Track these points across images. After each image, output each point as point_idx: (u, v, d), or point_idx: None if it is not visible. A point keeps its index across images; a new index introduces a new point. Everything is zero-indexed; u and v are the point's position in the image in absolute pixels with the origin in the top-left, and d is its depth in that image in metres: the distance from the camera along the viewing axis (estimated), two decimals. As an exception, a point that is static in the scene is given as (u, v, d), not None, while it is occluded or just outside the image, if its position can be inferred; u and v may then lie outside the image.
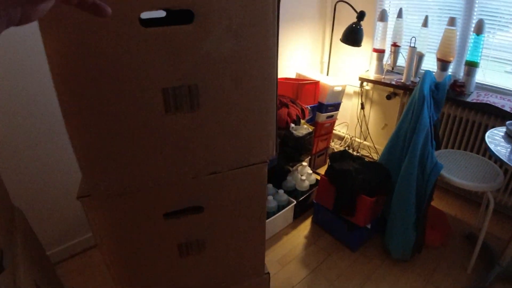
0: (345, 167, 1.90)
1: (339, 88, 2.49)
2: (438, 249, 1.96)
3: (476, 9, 2.17)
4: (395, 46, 2.51)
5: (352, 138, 2.98)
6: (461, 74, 2.34)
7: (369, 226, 1.91)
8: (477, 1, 2.14)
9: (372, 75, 2.63)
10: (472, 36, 2.18)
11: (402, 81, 2.43)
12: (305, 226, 2.14)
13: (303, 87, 2.35)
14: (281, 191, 2.08)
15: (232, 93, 0.79)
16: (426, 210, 1.81)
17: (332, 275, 1.78)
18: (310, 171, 2.28)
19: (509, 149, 1.53)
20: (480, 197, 2.33)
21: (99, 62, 0.68)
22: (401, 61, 2.57)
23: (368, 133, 2.84)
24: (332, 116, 2.59)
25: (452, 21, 2.18)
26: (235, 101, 0.80)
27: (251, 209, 0.97)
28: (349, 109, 2.94)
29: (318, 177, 2.32)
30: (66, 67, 0.67)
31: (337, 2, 2.64)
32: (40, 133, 1.60)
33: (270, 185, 2.14)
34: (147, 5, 0.67)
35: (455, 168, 1.84)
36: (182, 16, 0.73)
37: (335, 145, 3.08)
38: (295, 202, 2.09)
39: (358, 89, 2.78)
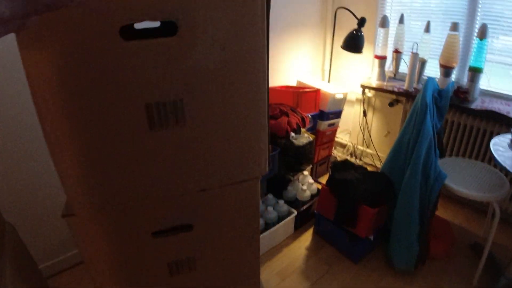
0: (347, 177, 1.86)
1: (340, 96, 2.45)
2: (442, 260, 1.91)
3: (479, 14, 2.13)
4: (397, 52, 2.47)
5: (355, 146, 2.94)
6: (465, 80, 2.30)
7: (371, 238, 1.86)
8: (480, 5, 2.11)
9: (374, 82, 2.59)
10: (475, 41, 2.13)
11: (405, 88, 2.39)
12: (306, 237, 2.09)
13: (304, 95, 2.31)
14: (281, 202, 2.04)
15: (220, 107, 0.76)
16: (430, 220, 1.76)
17: (333, 288, 1.74)
18: (312, 181, 2.24)
19: (514, 159, 1.49)
20: (486, 205, 2.28)
21: (78, 78, 0.65)
22: (404, 68, 2.53)
23: (371, 140, 2.80)
24: (333, 124, 2.55)
25: (454, 27, 2.15)
26: (223, 115, 0.77)
27: (244, 227, 0.93)
28: (351, 116, 2.90)
29: (320, 187, 2.28)
30: (44, 84, 0.64)
31: (338, 8, 2.61)
32: (32, 148, 1.58)
33: (270, 195, 2.10)
34: (127, 17, 0.64)
35: (460, 177, 1.79)
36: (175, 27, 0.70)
37: (338, 153, 3.03)
38: (295, 212, 2.05)
39: (360, 96, 2.74)
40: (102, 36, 0.63)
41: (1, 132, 1.48)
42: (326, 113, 2.44)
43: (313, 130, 2.46)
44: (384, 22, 2.48)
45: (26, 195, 1.63)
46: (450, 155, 2.30)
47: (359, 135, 2.86)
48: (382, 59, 2.55)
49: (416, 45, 2.29)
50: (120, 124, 0.72)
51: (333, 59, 2.77)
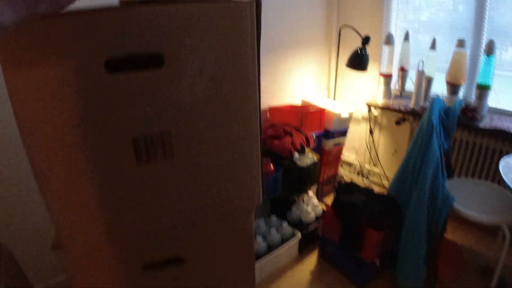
0: (352, 199, 1.81)
1: (345, 115, 2.42)
2: (451, 284, 1.83)
3: (486, 24, 2.08)
4: (403, 70, 2.44)
5: (362, 165, 2.88)
6: (472, 97, 2.25)
7: (377, 262, 1.80)
8: (487, 16, 2.06)
9: (379, 100, 2.55)
10: (482, 57, 2.09)
11: (411, 106, 2.35)
12: (311, 261, 2.03)
13: (308, 115, 2.29)
14: (285, 224, 2.00)
15: (209, 139, 0.74)
16: (438, 243, 1.70)
17: (338, 315, 1.68)
18: (317, 202, 2.20)
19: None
20: (497, 227, 2.20)
21: (62, 111, 0.64)
22: (410, 85, 2.49)
23: (378, 159, 2.75)
24: (339, 143, 2.51)
25: (461, 43, 2.11)
26: (213, 147, 0.75)
27: (238, 260, 0.90)
28: (357, 134, 2.86)
29: (325, 207, 2.23)
30: (30, 116, 0.63)
31: (342, 26, 2.60)
32: (28, 168, 1.57)
33: (273, 216, 2.06)
34: (112, 50, 0.63)
35: (468, 198, 1.74)
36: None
37: (344, 172, 2.98)
38: (299, 235, 2.00)
39: (366, 114, 2.70)
40: (87, 69, 0.62)
41: None
42: (331, 132, 2.41)
43: (318, 149, 2.42)
44: (389, 40, 2.46)
45: (21, 216, 1.62)
46: (459, 175, 2.24)
47: (366, 153, 2.81)
48: (387, 77, 2.52)
49: (422, 63, 2.26)
50: (107, 158, 0.70)
51: (338, 77, 2.74)
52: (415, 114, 2.34)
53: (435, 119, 1.69)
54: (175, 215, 0.79)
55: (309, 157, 2.08)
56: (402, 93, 2.53)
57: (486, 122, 2.07)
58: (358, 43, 2.41)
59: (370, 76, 2.66)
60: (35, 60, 0.59)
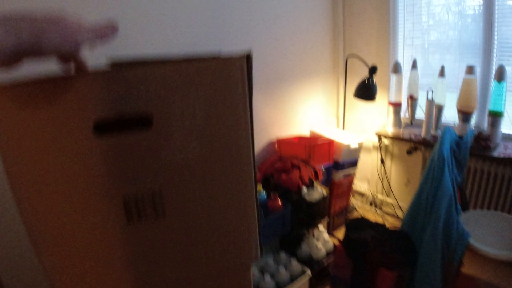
0: (363, 236, 1.75)
1: (355, 146, 2.38)
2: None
3: (495, 42, 2.04)
4: (412, 99, 2.40)
5: (374, 195, 2.81)
6: (485, 125, 2.18)
7: (392, 303, 1.72)
8: (496, 34, 2.03)
9: (390, 129, 2.51)
10: (493, 83, 2.04)
11: (422, 136, 2.29)
12: (322, 301, 1.96)
13: (316, 147, 2.25)
14: (294, 261, 1.93)
15: (202, 197, 0.71)
16: (454, 281, 1.61)
17: None
18: (327, 237, 2.13)
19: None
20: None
21: (50, 173, 0.62)
22: (420, 113, 2.44)
23: (391, 189, 2.67)
24: (349, 174, 2.46)
25: (470, 70, 2.07)
26: (206, 205, 0.72)
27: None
28: (369, 163, 2.80)
29: (337, 242, 2.16)
30: (22, 178, 0.62)
31: (349, 56, 2.59)
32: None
33: (282, 253, 2.00)
34: (100, 112, 0.61)
35: (485, 233, 1.66)
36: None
37: (357, 202, 2.91)
38: (310, 273, 1.93)
39: (377, 143, 2.65)
40: (75, 132, 0.61)
41: None
42: (341, 164, 2.36)
43: (328, 181, 2.37)
44: (396, 68, 2.44)
45: (19, 253, 1.60)
46: (475, 206, 2.15)
47: (378, 183, 2.74)
48: (397, 105, 2.48)
49: (431, 92, 2.22)
50: (97, 218, 0.67)
51: (346, 106, 2.71)
52: (426, 143, 2.28)
53: (446, 152, 1.63)
54: (168, 274, 0.75)
55: (318, 191, 2.03)
56: (413, 122, 2.49)
57: (500, 151, 2.00)
58: (366, 71, 2.39)
59: (379, 105, 2.62)
60: (21, 122, 0.58)
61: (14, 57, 0.43)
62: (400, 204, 2.63)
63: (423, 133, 2.29)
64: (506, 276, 2.02)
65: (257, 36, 2.25)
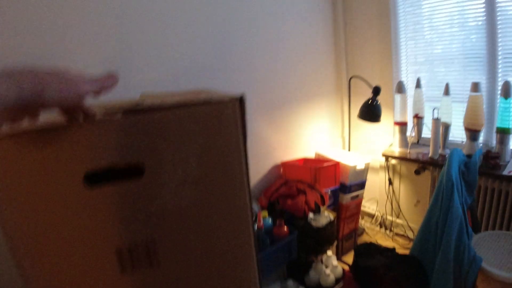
0: (372, 263, 1.70)
1: (361, 167, 2.34)
2: None
3: (500, 53, 2.01)
4: (418, 118, 2.37)
5: (383, 216, 2.75)
6: (493, 142, 2.14)
7: (406, 333, 1.65)
8: (500, 44, 2.00)
9: (396, 150, 2.47)
10: (499, 100, 2.01)
11: (430, 155, 2.25)
12: (333, 330, 1.89)
13: (322, 170, 2.21)
14: (303, 289, 1.89)
15: (197, 245, 0.69)
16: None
17: None
18: (336, 263, 2.07)
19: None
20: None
21: (43, 224, 0.61)
22: (427, 132, 2.41)
23: (400, 210, 2.61)
24: (357, 196, 2.41)
25: (475, 87, 2.04)
26: (201, 253, 0.69)
27: None
28: (377, 183, 2.75)
29: (346, 268, 2.11)
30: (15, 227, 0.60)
31: (352, 77, 2.58)
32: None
33: (290, 281, 1.95)
34: (90, 163, 0.60)
35: (498, 256, 1.60)
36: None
37: (366, 224, 2.85)
38: (319, 302, 1.88)
39: (384, 163, 2.60)
40: (65, 184, 0.59)
41: None
42: (348, 186, 2.32)
43: (335, 204, 2.33)
44: (400, 88, 2.42)
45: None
46: (486, 227, 2.09)
47: (387, 204, 2.68)
48: (402, 125, 2.45)
49: (436, 111, 2.19)
50: (90, 269, 0.65)
51: (352, 127, 2.69)
52: (434, 163, 2.24)
53: (455, 174, 1.60)
54: (165, 325, 0.73)
55: (325, 216, 1.99)
56: (419, 141, 2.45)
57: (510, 169, 1.95)
58: (370, 91, 2.37)
59: (385, 125, 2.59)
60: (11, 175, 0.57)
61: (17, 110, 0.44)
62: (410, 225, 2.56)
63: (430, 152, 2.25)
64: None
65: (261, 60, 2.26)
